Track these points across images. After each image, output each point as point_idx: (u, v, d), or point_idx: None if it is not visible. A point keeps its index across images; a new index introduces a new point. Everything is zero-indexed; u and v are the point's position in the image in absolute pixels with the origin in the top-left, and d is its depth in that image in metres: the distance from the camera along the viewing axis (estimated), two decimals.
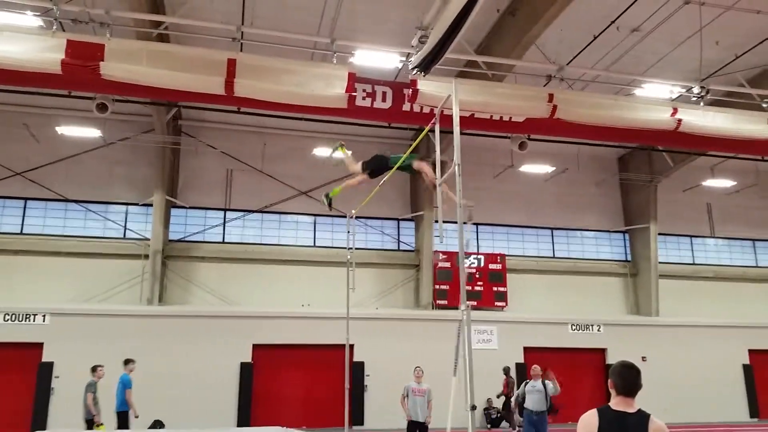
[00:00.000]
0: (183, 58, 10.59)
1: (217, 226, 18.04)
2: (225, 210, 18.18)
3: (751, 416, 19.39)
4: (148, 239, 16.94)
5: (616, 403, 3.45)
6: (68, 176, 17.07)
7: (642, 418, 3.35)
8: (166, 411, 14.99)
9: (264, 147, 18.45)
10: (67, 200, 17.04)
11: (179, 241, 17.65)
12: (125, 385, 11.76)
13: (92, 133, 16.31)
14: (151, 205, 16.95)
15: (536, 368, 10.98)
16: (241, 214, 18.24)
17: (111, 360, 15.27)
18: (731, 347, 19.82)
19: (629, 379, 3.46)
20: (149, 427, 14.49)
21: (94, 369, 11.72)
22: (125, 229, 17.36)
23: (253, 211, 18.30)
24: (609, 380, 3.54)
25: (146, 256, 16.72)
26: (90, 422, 11.27)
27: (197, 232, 17.84)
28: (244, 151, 18.26)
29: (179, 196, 17.72)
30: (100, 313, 15.82)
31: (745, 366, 19.93)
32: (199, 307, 16.88)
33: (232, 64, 10.47)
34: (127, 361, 12.05)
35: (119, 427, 11.58)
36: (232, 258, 17.73)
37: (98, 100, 13.57)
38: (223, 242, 17.96)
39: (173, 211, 17.71)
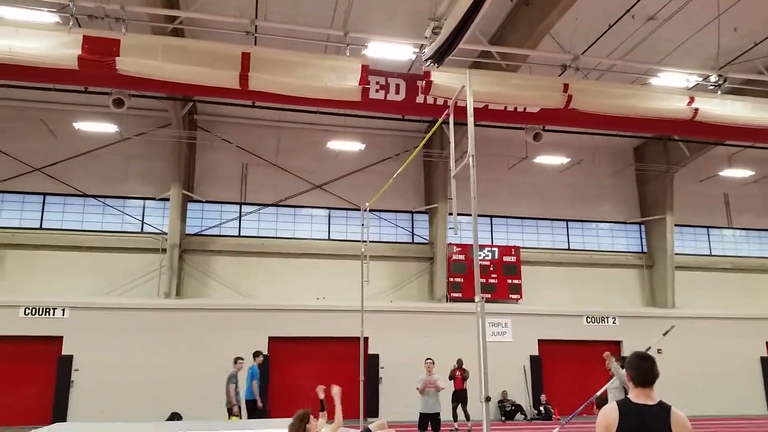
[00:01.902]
0: (198, 52, 10.65)
1: (233, 219, 18.17)
2: (241, 204, 18.29)
3: None
4: (165, 233, 17.11)
5: (635, 395, 3.42)
6: (86, 171, 17.26)
7: (663, 410, 3.31)
8: (183, 403, 15.16)
9: (278, 141, 18.53)
10: (85, 195, 17.24)
11: (196, 235, 17.80)
12: (253, 376, 12.72)
13: (109, 128, 16.47)
14: (168, 199, 17.09)
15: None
16: (257, 207, 18.34)
17: (128, 353, 15.60)
18: (749, 339, 19.62)
19: (645, 368, 3.43)
20: (167, 420, 14.66)
21: (235, 361, 12.73)
22: (143, 223, 17.53)
23: (269, 205, 18.40)
24: (625, 374, 3.52)
25: (164, 250, 16.89)
26: (230, 411, 12.21)
27: (213, 226, 17.98)
28: (259, 145, 18.34)
29: (195, 190, 17.86)
30: (118, 306, 16.02)
31: (762, 358, 19.73)
32: (215, 301, 17.03)
33: (246, 57, 10.52)
34: (256, 354, 13.02)
35: (249, 416, 12.50)
36: (248, 251, 17.85)
37: (115, 96, 13.71)
38: (239, 236, 18.09)
39: (190, 205, 17.85)
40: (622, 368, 8.52)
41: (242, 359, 12.93)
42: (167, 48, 10.54)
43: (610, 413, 3.42)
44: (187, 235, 17.63)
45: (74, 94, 16.20)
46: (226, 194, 18.21)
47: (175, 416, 14.98)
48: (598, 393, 10.37)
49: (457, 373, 14.81)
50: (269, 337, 16.66)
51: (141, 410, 14.66)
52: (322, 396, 7.82)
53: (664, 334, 10.18)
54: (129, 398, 15.10)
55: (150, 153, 17.67)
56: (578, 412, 11.10)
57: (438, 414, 11.70)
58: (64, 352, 15.49)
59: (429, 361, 12.39)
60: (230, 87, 10.71)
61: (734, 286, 20.71)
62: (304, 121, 18.04)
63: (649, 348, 6.88)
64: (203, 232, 17.89)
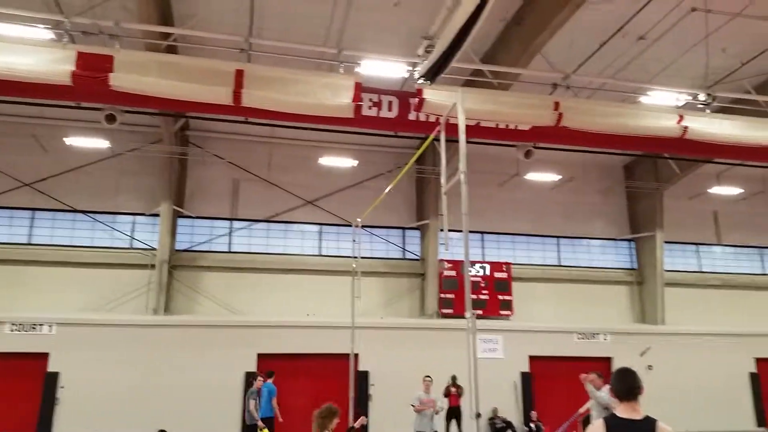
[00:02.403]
0: (191, 69, 10.68)
1: (223, 235, 18.10)
2: (231, 219, 18.25)
3: (759, 425, 19.24)
4: (154, 249, 17.01)
5: (621, 410, 3.45)
6: (76, 187, 17.17)
7: (649, 424, 3.35)
8: (170, 421, 14.99)
9: (270, 156, 18.54)
10: (75, 210, 17.13)
11: (186, 251, 17.71)
12: (271, 393, 13.27)
13: (100, 143, 16.42)
14: (158, 215, 17.02)
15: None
16: (248, 223, 18.30)
17: (115, 369, 15.43)
18: (738, 355, 19.70)
19: (627, 380, 3.48)
20: None
21: (255, 377, 13.45)
22: (132, 239, 17.43)
23: (260, 221, 18.36)
24: (610, 390, 3.56)
25: (153, 266, 16.78)
26: (253, 427, 12.75)
27: (204, 242, 17.90)
28: (250, 160, 18.34)
29: (186, 206, 17.80)
30: (106, 323, 15.87)
31: (752, 374, 19.81)
32: (204, 317, 16.91)
33: (240, 74, 10.56)
34: (270, 374, 13.63)
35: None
36: (239, 267, 17.78)
37: (107, 111, 13.69)
38: (230, 251, 18.01)
39: (180, 221, 17.78)
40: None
41: (261, 377, 13.40)
42: (161, 64, 10.57)
43: (597, 430, 3.44)
44: (176, 250, 17.54)
45: (66, 110, 16.15)
46: (217, 210, 18.15)
47: None
48: (581, 410, 10.26)
49: (452, 389, 14.78)
50: (258, 354, 16.54)
51: (128, 427, 14.49)
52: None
53: (641, 355, 10.17)
54: (116, 415, 14.91)
55: (141, 169, 17.61)
56: (564, 428, 11.02)
57: None
58: (50, 369, 15.28)
59: (428, 379, 12.33)
60: (223, 103, 10.73)
61: (723, 303, 20.82)
62: (296, 137, 18.06)
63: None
64: (193, 248, 17.80)
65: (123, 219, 17.54)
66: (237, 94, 10.47)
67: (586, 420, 8.81)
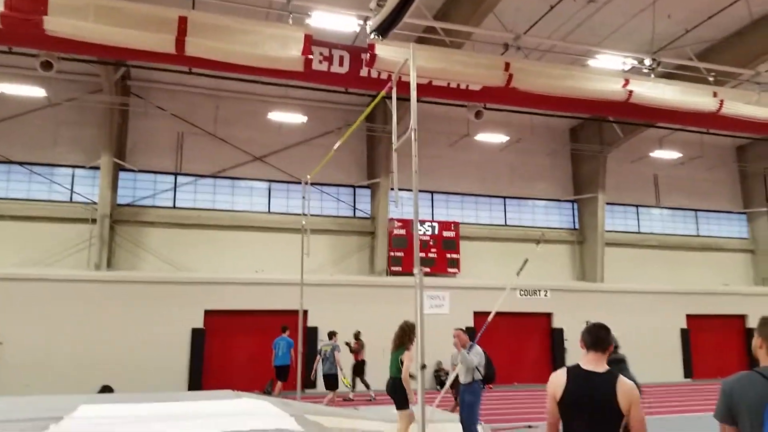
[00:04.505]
0: (132, 14, 10.14)
1: (167, 190, 17.65)
2: (176, 174, 17.78)
3: (686, 376, 20.48)
4: (95, 203, 16.47)
5: (586, 361, 3.51)
6: (11, 137, 16.34)
7: (611, 377, 3.43)
8: (115, 377, 14.83)
9: (217, 110, 18.04)
10: (10, 162, 16.35)
11: (128, 205, 17.21)
12: (290, 345, 14.30)
13: (36, 92, 15.54)
14: (98, 168, 16.42)
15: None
16: (193, 178, 17.88)
17: (56, 326, 15.06)
18: (671, 312, 20.77)
19: (596, 333, 3.54)
20: (98, 392, 14.30)
21: (335, 334, 14.41)
22: (72, 192, 16.81)
23: (206, 176, 17.96)
24: (580, 341, 3.63)
25: (94, 221, 16.28)
26: (335, 377, 13.73)
27: (147, 197, 17.43)
28: (196, 114, 17.81)
29: (128, 159, 17.22)
30: (45, 278, 15.38)
31: (682, 330, 20.95)
32: (148, 273, 16.59)
33: (183, 21, 10.11)
34: (285, 328, 14.58)
35: (278, 377, 14.33)
36: (184, 224, 17.43)
37: (42, 58, 12.93)
38: (174, 207, 17.61)
39: (122, 175, 17.22)
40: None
41: (336, 333, 14.47)
42: (99, 9, 9.99)
43: (557, 378, 3.52)
44: (118, 205, 17.03)
45: None
46: (161, 164, 17.65)
47: (106, 389, 14.65)
48: (451, 377, 10.17)
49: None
50: (205, 310, 16.44)
51: (70, 384, 14.22)
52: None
53: (518, 274, 10.45)
54: (57, 372, 14.63)
55: (80, 119, 16.88)
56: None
57: None
58: None
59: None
60: (165, 52, 10.28)
61: (659, 263, 21.79)
62: (244, 91, 17.60)
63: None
64: (136, 203, 17.32)
65: (62, 171, 16.87)
66: (180, 43, 10.05)
67: (455, 382, 8.84)
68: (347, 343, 15.45)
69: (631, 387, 3.39)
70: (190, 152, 17.88)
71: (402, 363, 7.50)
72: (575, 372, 3.49)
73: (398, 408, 7.68)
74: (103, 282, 15.87)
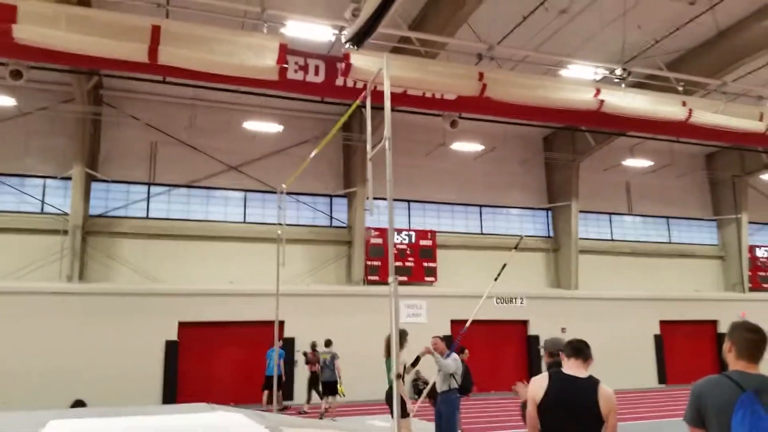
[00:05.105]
0: (104, 23, 10.05)
1: (140, 201, 17.43)
2: (149, 184, 17.57)
3: (660, 382, 20.76)
4: (67, 214, 16.19)
5: (567, 367, 3.61)
6: None
7: (592, 383, 3.51)
8: (88, 390, 14.54)
9: (191, 119, 17.89)
10: None
11: (100, 216, 16.95)
12: (281, 356, 14.44)
13: (6, 101, 15.26)
14: (70, 178, 16.16)
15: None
16: (167, 188, 17.68)
17: (27, 339, 14.72)
18: (644, 318, 21.06)
19: (575, 343, 3.67)
20: (70, 407, 13.99)
21: (331, 343, 14.49)
22: (43, 203, 16.51)
23: (180, 186, 17.78)
24: (561, 354, 3.73)
25: (65, 232, 15.99)
26: (335, 384, 13.85)
27: (120, 207, 17.19)
28: (170, 123, 17.64)
29: (100, 169, 16.97)
30: (16, 290, 15.07)
31: (656, 336, 21.25)
32: (121, 285, 16.34)
33: (156, 30, 10.03)
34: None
35: (268, 386, 14.17)
36: (157, 234, 17.21)
37: (11, 67, 12.71)
38: (148, 218, 17.39)
39: (94, 185, 16.97)
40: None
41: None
42: (71, 17, 9.87)
43: (539, 381, 3.60)
44: (90, 216, 16.76)
45: None
46: (134, 174, 17.42)
47: (78, 403, 14.34)
48: (429, 386, 10.14)
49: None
50: (179, 322, 16.23)
51: (41, 399, 13.90)
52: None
53: (496, 279, 10.54)
54: (28, 387, 14.29)
55: (51, 129, 16.61)
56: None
57: None
58: None
59: None
60: (138, 61, 10.19)
61: (632, 269, 22.11)
62: (218, 100, 17.49)
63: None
64: (108, 214, 17.06)
65: (32, 182, 16.56)
66: (153, 52, 9.96)
67: (433, 391, 8.80)
68: (304, 353, 15.38)
69: (611, 394, 3.48)
70: (164, 162, 17.69)
71: None
72: (557, 376, 3.57)
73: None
74: (75, 294, 15.58)
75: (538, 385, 3.60)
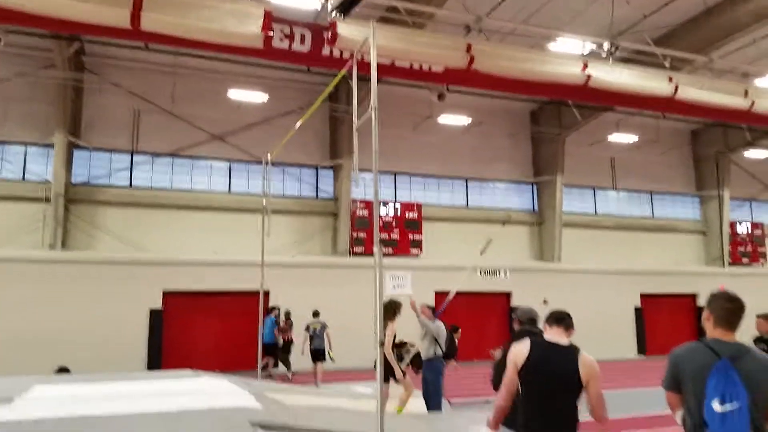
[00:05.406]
0: None
1: (123, 169, 17.25)
2: (132, 153, 17.38)
3: (639, 353, 21.19)
4: (49, 182, 16.00)
5: (550, 335, 3.68)
6: None
7: (573, 351, 3.59)
8: (72, 358, 14.47)
9: (175, 87, 17.61)
10: None
11: (83, 184, 16.78)
12: (273, 324, 15.24)
13: None
14: (51, 145, 15.93)
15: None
16: (150, 157, 17.50)
17: (10, 307, 14.64)
18: (625, 291, 21.41)
19: (557, 313, 3.78)
20: (54, 373, 13.99)
21: (318, 313, 14.56)
22: (24, 170, 16.28)
23: (163, 155, 17.60)
24: (544, 323, 3.80)
25: (47, 200, 15.82)
26: (323, 352, 14.01)
27: (102, 176, 17.01)
28: (152, 91, 17.38)
29: (82, 136, 16.74)
30: None
31: (636, 308, 21.63)
32: (105, 253, 16.26)
33: None
34: (272, 309, 15.61)
35: (267, 353, 14.83)
36: (141, 203, 17.09)
37: None
38: (131, 187, 17.24)
39: (76, 153, 16.75)
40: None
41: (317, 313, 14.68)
42: None
43: (521, 347, 3.68)
44: (73, 184, 16.58)
45: None
46: (117, 142, 17.21)
47: (63, 370, 14.33)
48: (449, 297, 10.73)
49: (285, 325, 15.48)
50: (164, 291, 16.23)
51: (25, 366, 13.81)
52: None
53: (481, 253, 10.82)
54: (11, 354, 14.24)
55: (32, 95, 16.31)
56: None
57: None
58: None
59: None
60: (120, 26, 9.98)
61: (615, 243, 22.36)
62: (203, 68, 17.25)
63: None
64: (91, 182, 16.88)
65: (13, 149, 16.31)
66: (135, 17, 9.75)
67: (417, 358, 8.97)
68: (276, 322, 15.51)
69: (592, 361, 3.55)
70: (147, 130, 17.48)
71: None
72: (539, 343, 3.64)
73: (386, 381, 7.91)
74: (58, 262, 15.49)
75: (520, 351, 3.67)
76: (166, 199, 17.33)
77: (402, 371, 7.90)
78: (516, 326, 4.97)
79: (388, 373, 7.89)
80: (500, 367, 4.42)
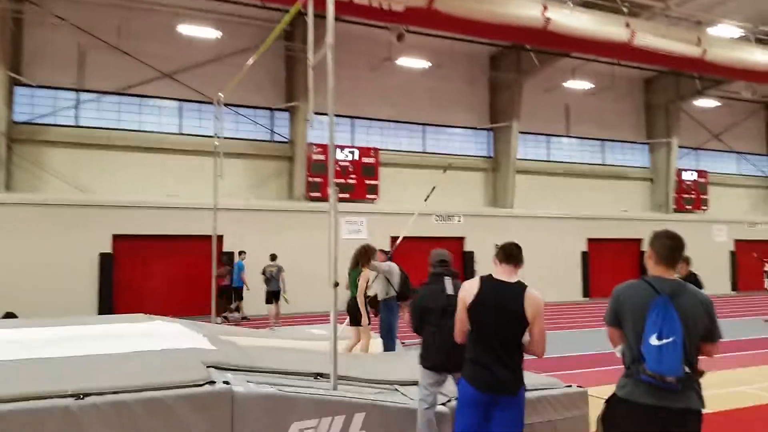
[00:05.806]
0: None
1: (69, 108, 16.51)
2: (78, 90, 16.61)
3: (584, 296, 22.04)
4: None
5: (498, 273, 3.77)
6: None
7: (520, 287, 3.70)
8: (19, 303, 14.20)
9: (122, 21, 16.76)
10: None
11: (26, 123, 16.02)
12: (240, 268, 15.65)
13: None
14: None
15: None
16: (97, 95, 16.77)
17: None
18: (573, 236, 22.06)
19: (508, 249, 3.82)
20: (1, 318, 13.70)
21: (276, 257, 14.88)
22: None
23: (110, 93, 16.89)
24: (494, 257, 3.85)
25: None
26: (278, 293, 14.44)
27: (47, 114, 16.26)
28: (99, 25, 16.48)
29: (24, 72, 15.87)
30: None
31: (583, 253, 22.35)
32: (51, 195, 15.72)
33: None
34: (240, 252, 15.85)
35: (236, 298, 15.94)
36: (88, 143, 16.48)
37: None
38: (77, 126, 16.55)
39: (18, 90, 15.93)
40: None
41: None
42: None
43: (470, 285, 3.78)
44: (15, 122, 15.81)
45: None
46: (61, 79, 16.39)
47: (9, 315, 14.04)
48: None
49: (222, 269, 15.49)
50: (114, 235, 15.89)
51: None
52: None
53: (425, 200, 11.17)
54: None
55: None
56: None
57: None
58: None
59: None
60: None
61: (566, 189, 22.87)
62: (151, 1, 16.43)
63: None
64: (35, 121, 16.13)
65: None
66: None
67: (374, 300, 9.09)
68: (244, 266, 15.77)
69: (537, 297, 3.67)
70: (94, 67, 16.68)
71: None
72: (487, 281, 3.74)
73: (352, 324, 8.05)
74: (3, 204, 14.92)
75: (469, 288, 3.78)
76: (114, 139, 16.74)
77: (368, 318, 7.95)
78: (429, 268, 5.01)
79: (357, 318, 7.95)
80: (415, 310, 4.59)
